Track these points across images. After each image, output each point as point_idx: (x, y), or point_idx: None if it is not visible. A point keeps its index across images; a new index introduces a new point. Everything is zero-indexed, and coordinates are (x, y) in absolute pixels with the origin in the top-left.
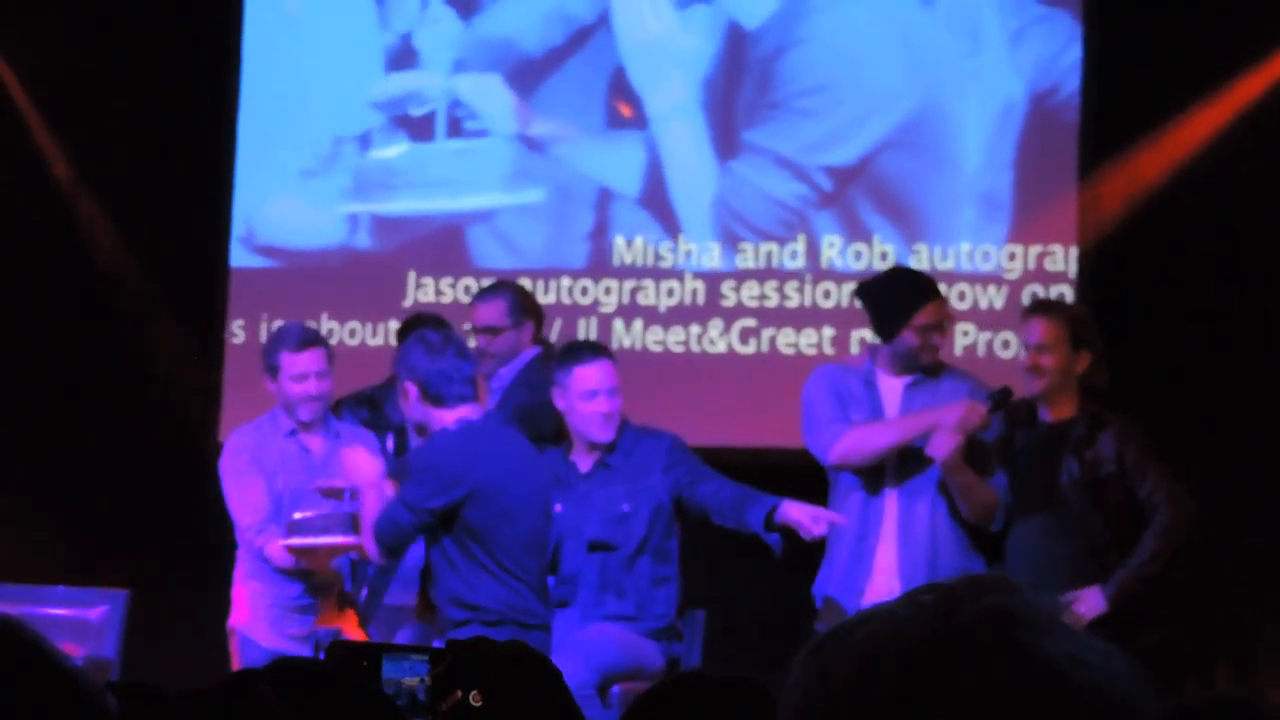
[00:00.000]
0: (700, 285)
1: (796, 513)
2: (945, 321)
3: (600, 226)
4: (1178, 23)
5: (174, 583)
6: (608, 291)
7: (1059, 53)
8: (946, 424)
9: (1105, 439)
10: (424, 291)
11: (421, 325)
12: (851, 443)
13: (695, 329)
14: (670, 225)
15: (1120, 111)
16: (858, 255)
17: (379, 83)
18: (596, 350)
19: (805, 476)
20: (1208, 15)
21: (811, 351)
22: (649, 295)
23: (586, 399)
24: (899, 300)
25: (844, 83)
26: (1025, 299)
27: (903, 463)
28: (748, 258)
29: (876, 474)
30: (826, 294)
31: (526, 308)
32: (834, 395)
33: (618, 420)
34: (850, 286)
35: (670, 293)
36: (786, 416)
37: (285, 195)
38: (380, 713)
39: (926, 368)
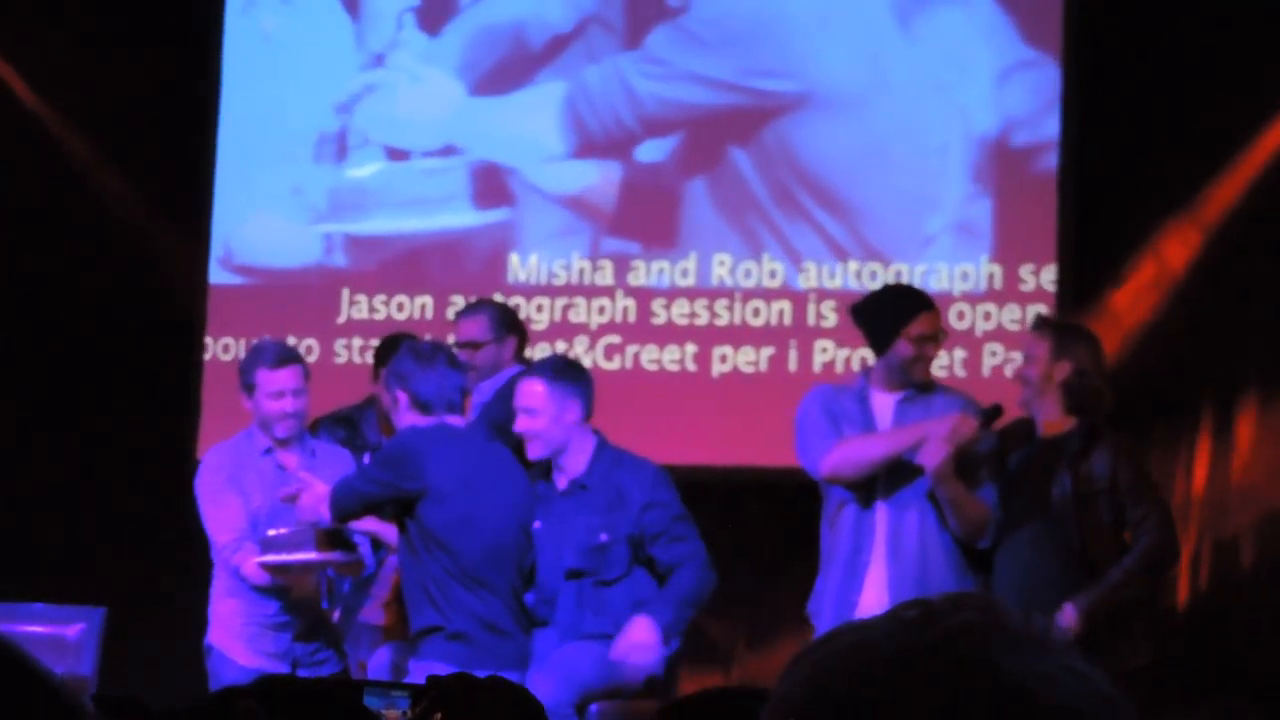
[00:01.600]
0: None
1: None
2: (939, 334)
3: (570, 243)
4: (1161, 71)
5: (151, 600)
6: (569, 308)
7: (1045, 98)
8: (937, 435)
9: (1100, 455)
10: (393, 309)
11: (400, 344)
12: (841, 456)
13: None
14: (647, 243)
15: (1100, 162)
16: (833, 273)
17: (355, 104)
18: (524, 372)
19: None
20: (1195, 69)
21: (753, 369)
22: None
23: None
24: (893, 311)
25: (822, 100)
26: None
27: (893, 477)
28: (713, 275)
29: (867, 489)
30: (780, 312)
31: (508, 324)
32: (825, 413)
33: (540, 445)
34: (782, 306)
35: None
36: (756, 436)
37: (262, 215)
38: None
39: (919, 383)
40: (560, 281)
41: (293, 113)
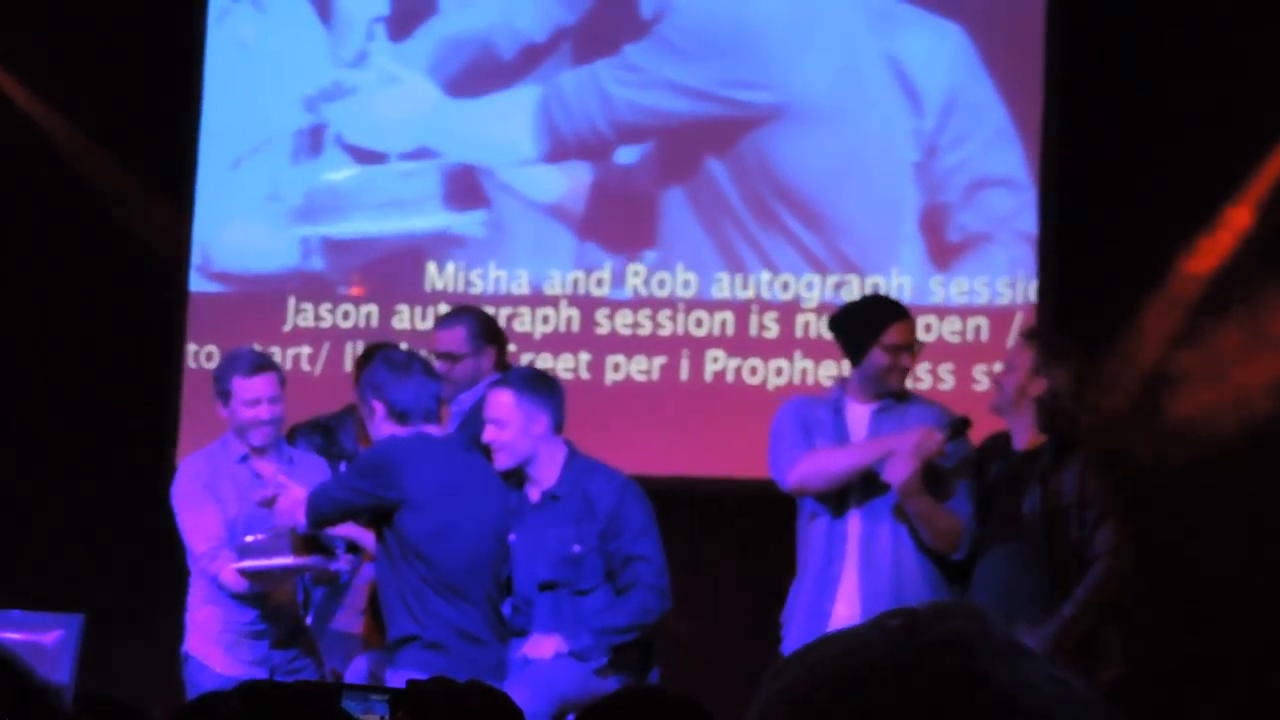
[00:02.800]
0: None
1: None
2: (914, 344)
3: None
4: (1142, 93)
5: (129, 608)
6: (546, 320)
7: (1024, 118)
8: (903, 450)
9: (1070, 471)
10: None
11: (383, 350)
12: (808, 467)
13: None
14: (619, 250)
15: (1078, 180)
16: (809, 285)
17: (330, 109)
18: (494, 383)
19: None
20: (1174, 89)
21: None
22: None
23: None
24: (867, 320)
25: (792, 111)
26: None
27: (865, 489)
28: (666, 287)
29: (840, 498)
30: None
31: (486, 335)
32: (799, 424)
33: (506, 455)
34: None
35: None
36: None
37: (240, 222)
38: None
39: (895, 392)
40: (527, 290)
41: (270, 120)
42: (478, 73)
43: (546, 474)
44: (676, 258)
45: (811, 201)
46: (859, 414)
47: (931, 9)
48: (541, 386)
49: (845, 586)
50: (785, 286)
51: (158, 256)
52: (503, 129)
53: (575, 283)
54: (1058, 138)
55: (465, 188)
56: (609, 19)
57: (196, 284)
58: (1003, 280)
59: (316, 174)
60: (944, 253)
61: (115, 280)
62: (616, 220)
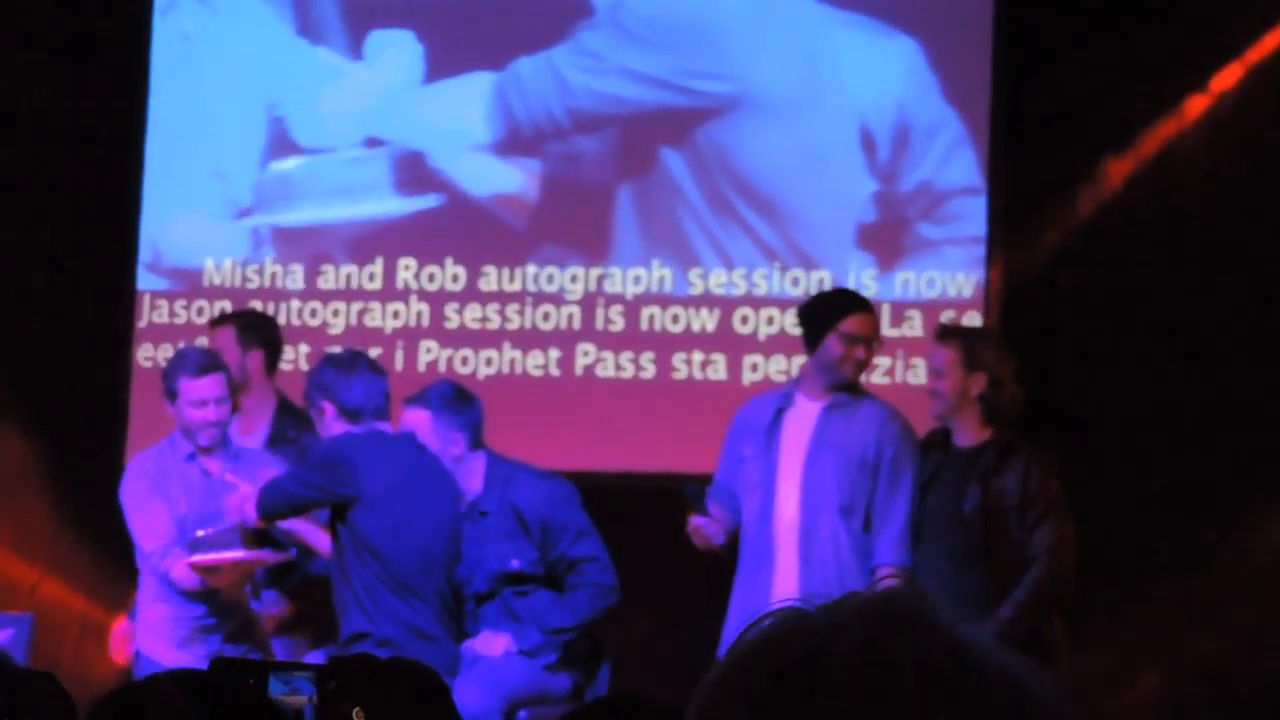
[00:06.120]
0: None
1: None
2: (873, 337)
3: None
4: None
5: (80, 606)
6: (500, 312)
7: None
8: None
9: (1013, 471)
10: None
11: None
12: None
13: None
14: (573, 244)
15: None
16: (765, 277)
17: (277, 98)
18: (411, 399)
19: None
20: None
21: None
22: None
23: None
24: (826, 308)
25: (752, 103)
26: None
27: (806, 490)
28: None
29: (773, 501)
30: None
31: (249, 339)
32: (730, 446)
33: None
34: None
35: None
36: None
37: (189, 217)
38: None
39: (846, 386)
40: (481, 283)
41: (216, 113)
42: (431, 60)
43: (470, 485)
44: (632, 249)
45: (767, 193)
46: (808, 411)
47: (880, 17)
48: (458, 406)
49: (781, 587)
50: (740, 279)
51: (105, 253)
52: (457, 115)
53: (528, 275)
54: (1005, 139)
55: (417, 175)
56: (567, 6)
57: (145, 281)
58: (954, 277)
59: (266, 164)
60: (896, 248)
61: (62, 277)
62: (572, 210)
